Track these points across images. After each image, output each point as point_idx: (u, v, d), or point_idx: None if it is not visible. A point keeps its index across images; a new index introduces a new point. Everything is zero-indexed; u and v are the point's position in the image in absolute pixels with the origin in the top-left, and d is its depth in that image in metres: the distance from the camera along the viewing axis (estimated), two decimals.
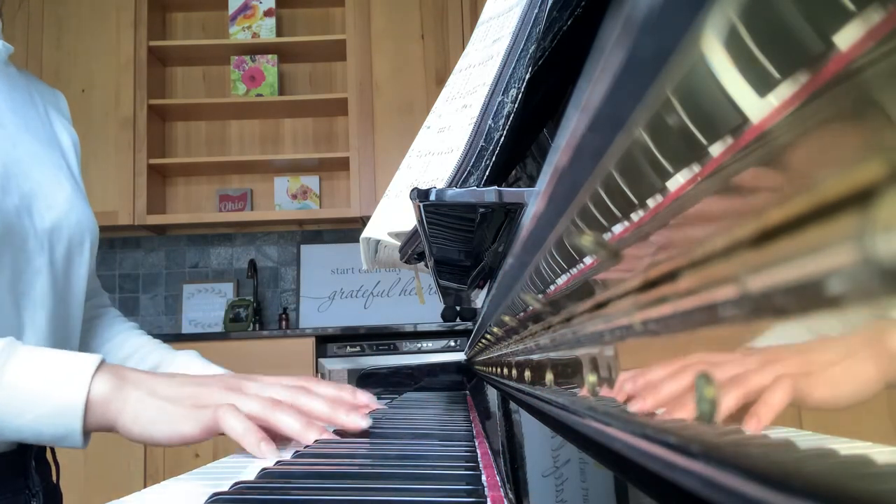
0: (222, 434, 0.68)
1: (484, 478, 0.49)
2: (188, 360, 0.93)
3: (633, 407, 0.19)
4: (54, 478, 0.91)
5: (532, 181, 0.57)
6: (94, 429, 0.70)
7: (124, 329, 1.03)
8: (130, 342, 0.99)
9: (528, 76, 0.47)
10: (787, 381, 0.11)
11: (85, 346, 0.97)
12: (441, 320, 1.87)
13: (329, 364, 2.76)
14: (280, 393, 0.73)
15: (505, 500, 0.43)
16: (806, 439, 0.11)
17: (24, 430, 0.66)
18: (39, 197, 0.83)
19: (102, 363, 0.70)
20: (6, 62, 0.91)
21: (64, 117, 1.00)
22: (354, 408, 0.75)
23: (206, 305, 3.18)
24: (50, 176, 0.86)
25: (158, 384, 0.72)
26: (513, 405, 0.55)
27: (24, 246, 0.80)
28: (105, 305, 1.07)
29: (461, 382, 1.54)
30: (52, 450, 0.91)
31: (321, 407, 0.73)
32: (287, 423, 0.68)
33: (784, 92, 0.10)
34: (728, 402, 0.13)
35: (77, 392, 0.67)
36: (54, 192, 0.86)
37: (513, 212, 0.42)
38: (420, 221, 0.47)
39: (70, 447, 0.69)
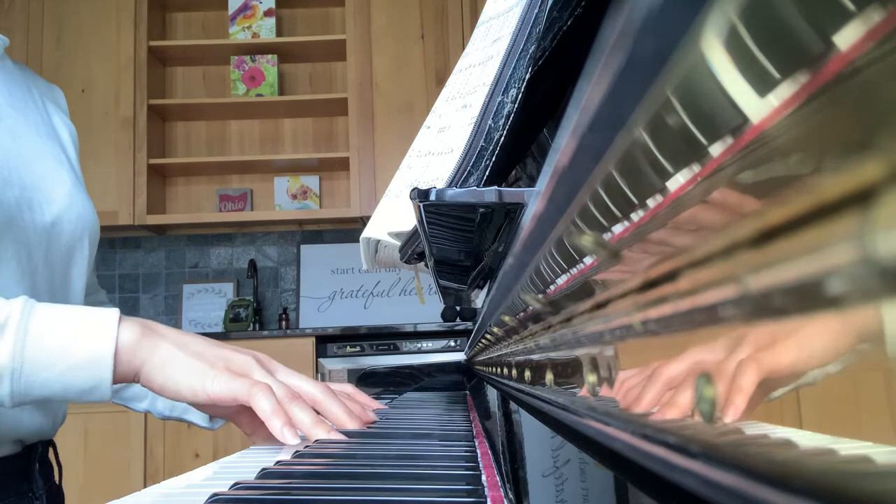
0: (240, 411, 0.69)
1: (484, 478, 0.49)
2: None
3: (633, 407, 0.19)
4: (57, 479, 0.91)
5: (532, 181, 0.57)
6: (120, 379, 0.68)
7: None
8: None
9: (528, 76, 0.47)
10: (784, 379, 0.11)
11: None
12: (441, 320, 1.87)
13: (329, 364, 2.76)
14: (304, 385, 0.74)
15: (505, 500, 0.43)
16: (806, 439, 0.11)
17: (53, 383, 0.65)
18: (40, 190, 0.83)
19: (121, 315, 0.70)
20: (2, 55, 0.90)
21: (62, 111, 1.00)
22: (364, 418, 0.76)
23: (206, 305, 3.18)
24: (50, 169, 0.86)
25: (188, 339, 0.71)
26: (513, 405, 0.55)
27: (25, 240, 0.79)
28: (103, 303, 1.06)
29: (461, 382, 1.54)
30: (55, 450, 0.91)
31: (338, 412, 0.74)
32: (299, 418, 0.69)
33: (784, 92, 0.10)
34: (727, 401, 0.13)
35: (106, 341, 0.66)
36: (55, 186, 0.85)
37: (513, 212, 0.42)
38: (420, 221, 0.47)
39: (96, 401, 0.68)
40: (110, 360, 0.66)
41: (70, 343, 0.65)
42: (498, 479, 0.50)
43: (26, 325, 0.64)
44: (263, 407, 0.66)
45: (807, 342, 0.10)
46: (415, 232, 0.55)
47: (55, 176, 0.86)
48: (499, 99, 0.47)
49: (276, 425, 0.66)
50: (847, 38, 0.08)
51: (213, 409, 0.71)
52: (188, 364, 0.68)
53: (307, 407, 0.70)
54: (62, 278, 0.86)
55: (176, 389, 0.68)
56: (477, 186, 0.47)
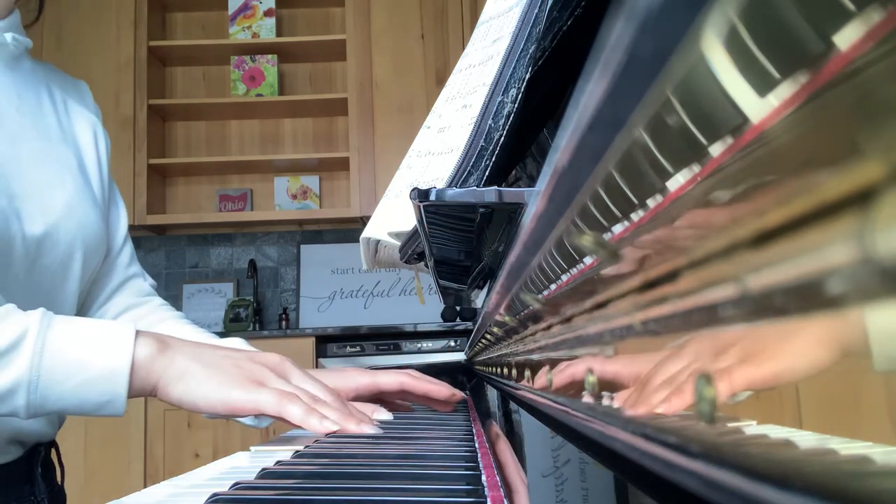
0: (262, 415, 0.71)
1: (484, 478, 0.49)
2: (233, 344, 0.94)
3: (633, 407, 0.19)
4: (59, 479, 0.91)
5: (532, 181, 0.57)
6: (136, 394, 0.69)
7: (168, 318, 1.00)
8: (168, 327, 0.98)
9: (528, 76, 0.47)
10: (784, 380, 0.11)
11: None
12: (441, 320, 1.86)
13: (329, 364, 2.76)
14: (318, 393, 0.74)
15: (505, 500, 0.43)
16: (806, 439, 0.11)
17: (68, 396, 0.65)
18: (34, 199, 0.80)
19: (138, 330, 0.70)
20: (14, 56, 0.87)
21: (88, 109, 0.97)
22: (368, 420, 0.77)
23: (206, 305, 3.18)
24: (52, 175, 0.84)
25: (203, 351, 0.72)
26: (513, 405, 0.55)
27: (9, 252, 0.76)
28: (147, 294, 1.02)
29: (461, 382, 1.54)
30: (58, 451, 0.90)
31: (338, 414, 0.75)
32: (327, 414, 0.71)
33: (784, 92, 0.10)
34: (727, 401, 0.13)
35: (122, 356, 0.67)
36: (53, 194, 0.83)
37: (513, 212, 0.42)
38: (420, 221, 0.47)
39: (110, 415, 0.68)
40: (126, 375, 0.67)
41: (86, 357, 0.66)
42: (498, 479, 0.50)
43: (44, 338, 0.65)
44: (296, 414, 0.69)
45: (801, 351, 0.10)
46: (415, 232, 0.55)
47: (56, 182, 0.83)
48: (499, 99, 0.47)
49: (314, 423, 0.69)
50: (847, 38, 0.08)
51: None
52: (205, 377, 0.69)
53: (330, 406, 0.73)
54: (53, 290, 0.83)
55: (192, 402, 0.69)
56: (477, 186, 0.46)
